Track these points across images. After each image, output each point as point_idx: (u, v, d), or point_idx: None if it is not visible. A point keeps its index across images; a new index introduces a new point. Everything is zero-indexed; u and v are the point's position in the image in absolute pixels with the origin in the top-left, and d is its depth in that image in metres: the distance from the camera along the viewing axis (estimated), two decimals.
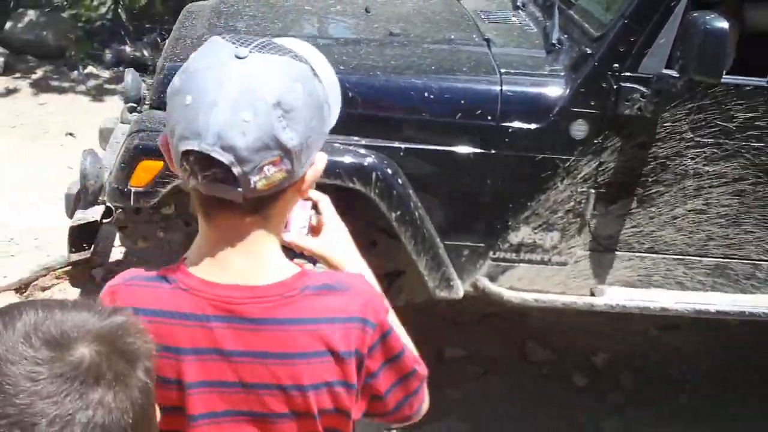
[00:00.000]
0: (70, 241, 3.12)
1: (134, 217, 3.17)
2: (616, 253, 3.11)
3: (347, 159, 2.87)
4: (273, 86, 1.13)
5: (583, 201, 3.01)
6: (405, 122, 2.98)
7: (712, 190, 3.02)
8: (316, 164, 1.25)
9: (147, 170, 2.90)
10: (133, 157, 2.93)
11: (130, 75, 3.74)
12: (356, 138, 2.93)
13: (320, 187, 2.93)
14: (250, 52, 1.15)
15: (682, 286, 3.17)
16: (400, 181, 2.91)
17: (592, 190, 3.00)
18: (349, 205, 3.01)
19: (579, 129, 2.91)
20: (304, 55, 1.22)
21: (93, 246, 3.21)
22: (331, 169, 2.82)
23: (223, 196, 1.16)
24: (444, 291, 3.08)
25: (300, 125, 1.15)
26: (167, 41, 3.67)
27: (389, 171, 2.89)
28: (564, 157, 2.95)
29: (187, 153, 1.14)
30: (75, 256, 3.20)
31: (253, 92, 1.12)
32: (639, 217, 3.06)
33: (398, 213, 2.91)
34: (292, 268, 1.26)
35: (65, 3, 7.89)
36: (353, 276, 1.38)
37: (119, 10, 7.46)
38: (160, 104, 3.11)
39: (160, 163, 2.87)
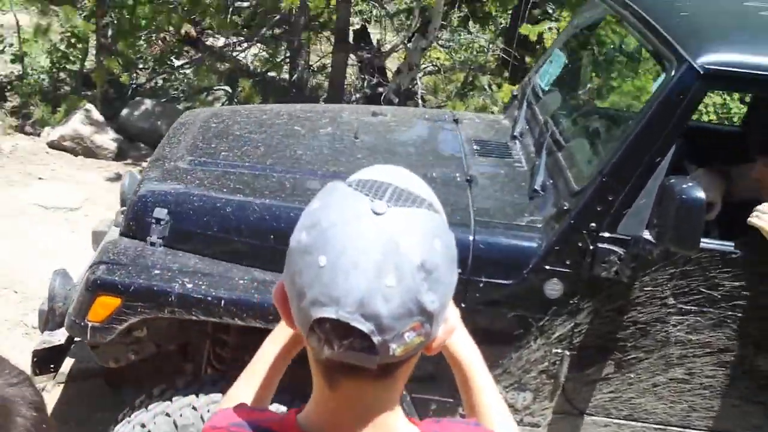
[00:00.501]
0: (33, 364, 3.05)
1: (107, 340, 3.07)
2: (593, 417, 2.95)
3: None
4: (416, 246, 1.06)
5: (557, 362, 2.87)
6: None
7: (695, 359, 2.85)
8: (449, 321, 1.16)
9: (104, 306, 2.83)
10: (91, 291, 2.86)
11: (128, 177, 3.66)
12: None
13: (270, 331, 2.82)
14: (387, 206, 1.07)
15: None
16: None
17: (567, 352, 2.85)
18: None
19: (553, 288, 2.78)
20: (428, 197, 1.14)
21: (58, 368, 3.16)
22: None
23: (356, 363, 1.07)
24: None
25: (441, 285, 1.08)
26: (150, 157, 3.63)
27: None
28: (537, 316, 2.82)
29: (321, 320, 1.05)
30: (40, 378, 3.13)
31: (397, 254, 1.04)
32: (617, 382, 2.90)
33: None
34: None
35: (181, 96, 8.23)
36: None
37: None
38: (129, 232, 3.08)
39: (118, 300, 2.82)
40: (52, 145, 7.42)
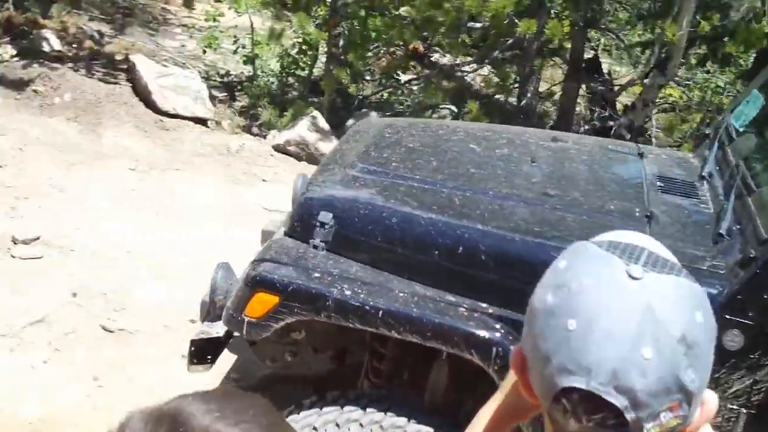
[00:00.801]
0: (190, 353, 3.12)
1: (266, 337, 3.11)
2: None
3: (468, 326, 2.70)
4: (676, 317, 1.00)
5: (732, 420, 2.66)
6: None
7: None
8: (708, 404, 1.07)
9: (262, 303, 2.87)
10: (250, 287, 2.90)
11: (300, 179, 3.68)
12: (483, 304, 2.77)
13: (428, 350, 2.77)
14: (644, 270, 1.02)
15: None
16: None
17: (744, 410, 2.64)
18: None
19: (733, 339, 2.58)
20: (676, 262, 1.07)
21: (214, 360, 3.20)
22: (448, 334, 2.70)
23: None
24: None
25: (702, 362, 1.02)
26: (321, 161, 3.67)
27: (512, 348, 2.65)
28: (713, 367, 2.61)
29: (569, 390, 0.99)
30: (194, 368, 3.18)
31: (655, 324, 0.98)
32: None
33: None
34: None
35: (407, 111, 8.52)
36: None
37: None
38: (294, 233, 3.11)
39: (276, 298, 2.84)
40: (277, 148, 7.75)
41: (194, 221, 5.94)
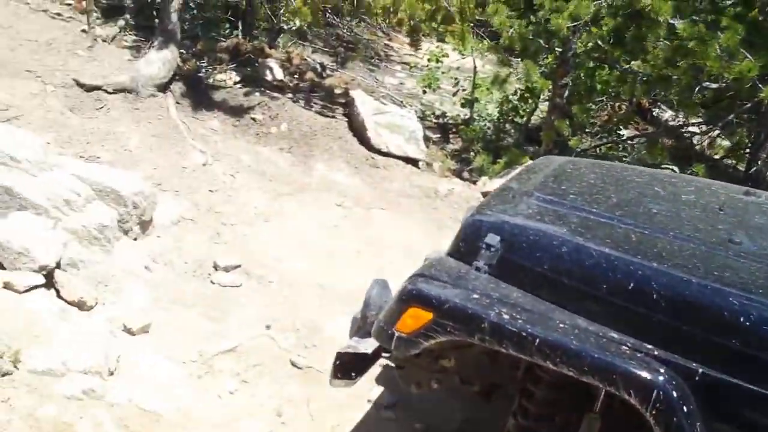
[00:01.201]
0: (334, 367, 3.09)
1: (413, 360, 3.11)
2: None
3: (630, 364, 2.54)
4: None
5: None
6: (709, 343, 2.56)
7: None
8: None
9: (415, 318, 2.82)
10: (404, 301, 2.86)
11: (471, 209, 3.59)
12: (649, 345, 2.61)
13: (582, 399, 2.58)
14: None
15: None
16: (686, 409, 2.48)
17: None
18: None
19: None
20: None
21: (358, 377, 3.14)
22: (607, 371, 2.56)
23: None
24: None
25: None
26: (495, 189, 3.61)
27: (676, 394, 2.49)
28: None
29: None
30: (337, 383, 3.15)
31: None
32: None
33: None
34: None
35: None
36: None
37: None
38: (456, 253, 3.07)
39: (430, 315, 2.78)
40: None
41: (394, 262, 5.88)
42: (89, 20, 8.26)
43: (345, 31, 11.34)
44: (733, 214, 3.34)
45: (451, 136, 9.07)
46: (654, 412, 2.49)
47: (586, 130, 9.35)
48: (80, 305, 4.48)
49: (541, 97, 8.88)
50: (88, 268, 4.78)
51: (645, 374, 2.51)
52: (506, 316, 2.70)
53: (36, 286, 4.34)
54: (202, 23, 9.42)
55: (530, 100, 8.95)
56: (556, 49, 8.33)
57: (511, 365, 3.17)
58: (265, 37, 9.72)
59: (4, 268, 4.38)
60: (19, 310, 4.11)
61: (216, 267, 5.41)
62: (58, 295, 4.46)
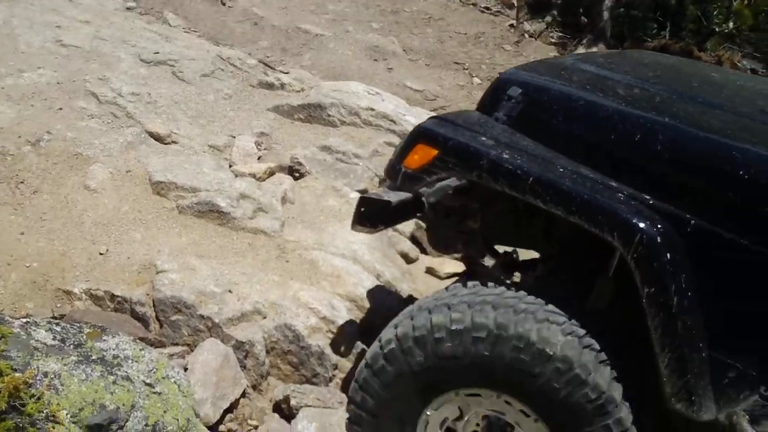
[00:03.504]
0: (356, 212, 3.17)
1: (442, 221, 3.28)
2: None
3: (617, 208, 2.64)
4: None
5: None
6: (706, 194, 2.63)
7: None
8: None
9: (421, 154, 2.98)
10: (413, 138, 3.03)
11: None
12: (646, 195, 2.70)
13: (573, 227, 2.77)
14: None
15: None
16: (669, 256, 2.57)
17: None
18: None
19: None
20: None
21: (376, 227, 3.22)
22: (593, 212, 2.66)
23: None
24: (681, 404, 2.65)
25: None
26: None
27: (659, 239, 2.57)
28: None
29: None
30: (359, 229, 3.22)
31: None
32: None
33: (651, 290, 2.58)
34: None
35: None
36: None
37: None
38: (482, 107, 3.22)
39: (435, 151, 2.94)
40: None
41: None
42: (518, 15, 8.43)
43: None
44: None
45: None
46: (635, 256, 2.57)
47: None
48: None
49: None
50: None
51: (630, 217, 2.60)
52: (506, 155, 2.82)
53: None
54: (630, 22, 9.45)
55: None
56: None
57: (534, 229, 3.30)
58: (693, 38, 9.61)
59: None
60: None
61: None
62: None
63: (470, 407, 2.93)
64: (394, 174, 3.07)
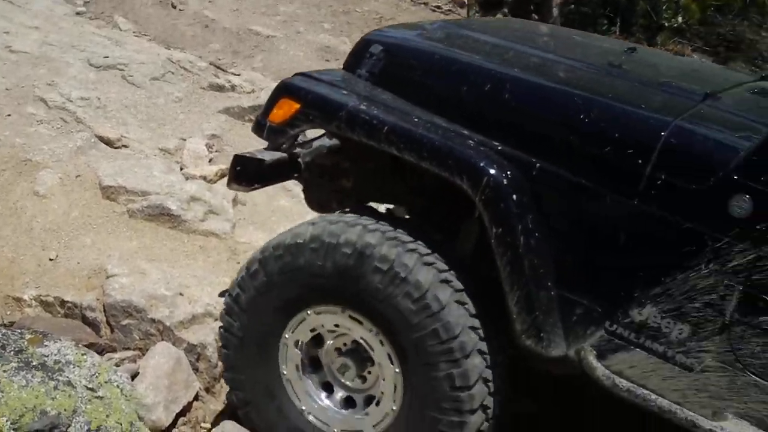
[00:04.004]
0: (231, 169, 3.30)
1: (317, 181, 3.40)
2: (757, 379, 2.56)
3: (466, 153, 2.77)
4: None
5: (727, 296, 2.54)
6: (549, 139, 2.78)
7: None
8: None
9: (285, 108, 3.10)
10: (277, 92, 3.16)
11: None
12: (495, 141, 2.83)
13: (420, 170, 2.87)
14: None
15: None
16: (515, 197, 2.71)
17: (741, 287, 2.51)
18: None
19: (740, 206, 2.47)
20: None
21: (250, 185, 3.35)
22: (443, 157, 2.79)
23: None
24: (531, 340, 2.78)
25: None
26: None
27: (506, 182, 2.71)
28: (715, 234, 2.52)
29: None
30: (234, 187, 3.37)
31: None
32: None
33: (499, 231, 2.72)
34: None
35: None
36: None
37: None
38: (348, 66, 3.33)
39: (297, 105, 3.07)
40: None
41: None
42: (469, 14, 8.52)
43: (727, 29, 11.09)
44: (640, 57, 3.50)
45: None
46: (483, 198, 2.71)
47: None
48: None
49: None
50: None
51: (478, 161, 2.74)
52: (363, 107, 2.96)
53: None
54: (580, 18, 9.66)
55: None
56: None
57: (403, 184, 3.40)
58: (643, 34, 9.70)
59: None
60: None
61: None
62: None
63: (324, 328, 3.05)
64: (260, 128, 3.19)
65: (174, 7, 8.69)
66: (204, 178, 5.29)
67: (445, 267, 2.85)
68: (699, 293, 2.56)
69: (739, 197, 2.45)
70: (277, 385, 3.17)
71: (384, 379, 2.96)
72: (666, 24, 10.14)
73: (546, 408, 3.66)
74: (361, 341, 2.98)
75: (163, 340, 3.82)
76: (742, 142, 2.54)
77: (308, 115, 3.05)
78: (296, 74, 3.24)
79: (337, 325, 3.03)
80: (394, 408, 2.95)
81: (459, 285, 2.83)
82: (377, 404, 3.01)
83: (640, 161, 2.59)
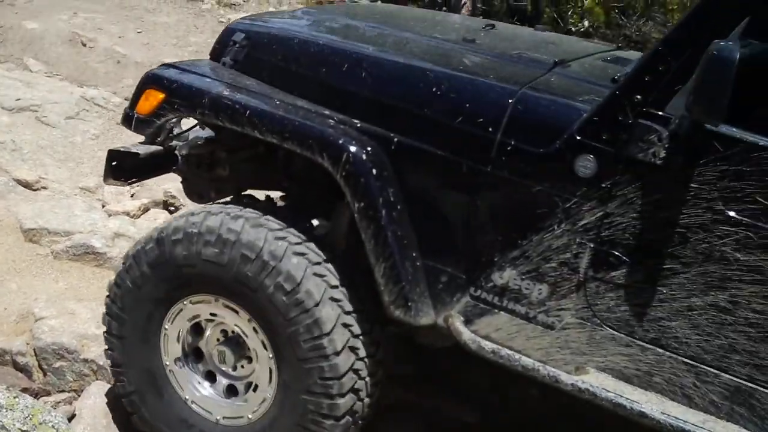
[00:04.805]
0: (107, 164, 3.28)
1: (194, 171, 3.42)
2: (613, 332, 2.67)
3: (325, 131, 2.84)
4: None
5: (580, 255, 2.65)
6: (404, 113, 2.87)
7: (742, 286, 2.48)
8: None
9: (150, 99, 3.13)
10: (142, 83, 3.20)
11: None
12: (355, 119, 2.91)
13: (291, 154, 2.92)
14: None
15: (688, 400, 2.63)
16: (375, 172, 2.79)
17: (592, 245, 2.62)
18: None
19: (585, 165, 2.58)
20: None
21: (127, 180, 3.38)
22: (304, 136, 2.85)
23: None
24: (399, 310, 2.86)
25: None
26: None
27: (364, 157, 2.79)
28: (564, 195, 2.63)
29: None
30: (110, 182, 3.38)
31: None
32: (645, 294, 2.60)
33: (361, 205, 2.80)
34: None
35: None
36: None
37: None
38: (213, 55, 3.40)
39: (162, 95, 3.10)
40: None
41: None
42: None
43: (633, 30, 11.14)
44: (499, 33, 3.61)
45: None
46: (344, 174, 2.78)
47: None
48: None
49: None
50: None
51: (337, 138, 2.81)
52: (226, 92, 3.01)
53: None
54: None
55: None
56: None
57: (276, 170, 3.47)
58: None
59: None
60: None
61: None
62: None
63: (201, 317, 3.09)
64: (128, 121, 3.23)
65: (84, 45, 8.68)
66: (127, 213, 5.33)
67: (318, 258, 2.92)
68: (554, 253, 2.67)
69: (584, 157, 2.56)
70: (161, 376, 3.18)
71: (259, 366, 3.01)
72: (573, 29, 10.37)
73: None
74: (236, 328, 3.03)
75: (97, 379, 3.79)
76: (586, 106, 2.65)
77: (173, 104, 3.08)
78: (162, 65, 3.29)
79: (214, 314, 3.06)
80: (270, 394, 2.99)
81: (333, 278, 2.89)
82: (254, 390, 3.05)
83: (490, 129, 2.69)
